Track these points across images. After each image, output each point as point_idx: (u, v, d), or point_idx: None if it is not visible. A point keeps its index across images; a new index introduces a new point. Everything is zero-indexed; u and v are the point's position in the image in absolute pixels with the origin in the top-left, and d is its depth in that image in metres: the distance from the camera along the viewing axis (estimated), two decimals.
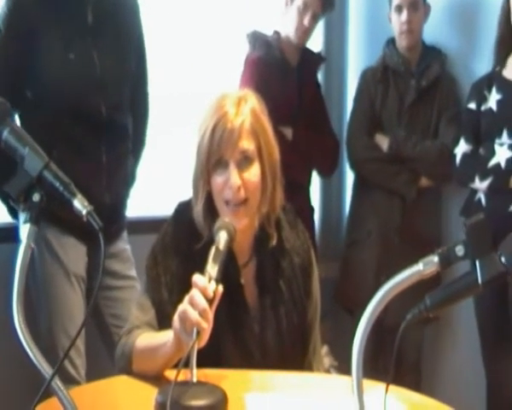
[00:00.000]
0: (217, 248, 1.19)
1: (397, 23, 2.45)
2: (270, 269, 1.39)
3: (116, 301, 1.97)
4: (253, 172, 1.32)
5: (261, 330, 1.37)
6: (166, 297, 1.33)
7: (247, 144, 1.31)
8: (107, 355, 2.04)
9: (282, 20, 2.46)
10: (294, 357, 1.39)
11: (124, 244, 2.03)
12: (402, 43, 2.47)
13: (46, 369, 0.90)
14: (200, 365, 1.15)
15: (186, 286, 1.18)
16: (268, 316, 1.37)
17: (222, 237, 1.22)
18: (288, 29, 2.44)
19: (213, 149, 1.30)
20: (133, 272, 2.03)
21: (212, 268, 1.16)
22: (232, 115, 1.30)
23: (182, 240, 1.36)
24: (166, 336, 1.22)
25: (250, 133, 1.31)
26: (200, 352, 1.14)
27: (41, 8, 1.80)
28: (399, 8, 2.44)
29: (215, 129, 1.29)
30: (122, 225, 2.03)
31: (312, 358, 1.46)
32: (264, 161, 1.34)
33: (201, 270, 1.18)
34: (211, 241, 1.24)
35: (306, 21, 2.39)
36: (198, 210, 1.35)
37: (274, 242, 1.38)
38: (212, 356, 1.23)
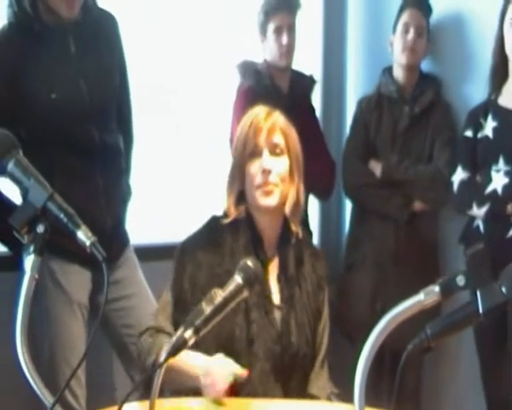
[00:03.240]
0: (214, 292, 1.10)
1: (401, 42, 2.47)
2: (291, 269, 1.53)
3: (125, 310, 1.95)
4: (283, 164, 1.51)
5: (282, 320, 1.49)
6: (187, 287, 1.46)
7: (278, 139, 1.52)
8: (109, 383, 2.03)
9: (264, 53, 2.50)
10: (308, 354, 1.51)
11: (128, 252, 2.01)
12: (402, 60, 2.48)
13: (49, 401, 0.90)
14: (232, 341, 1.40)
15: (212, 274, 1.37)
16: (287, 307, 1.50)
17: (235, 280, 1.11)
18: (272, 56, 2.47)
19: (249, 139, 1.50)
20: (140, 279, 2.00)
21: (198, 317, 1.05)
22: (264, 117, 1.53)
23: (213, 236, 1.51)
24: (190, 367, 1.35)
25: (280, 131, 1.52)
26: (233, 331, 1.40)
27: (25, 49, 1.80)
28: (407, 27, 2.46)
29: (251, 125, 1.51)
30: (125, 241, 2.02)
31: (319, 372, 1.53)
32: (292, 157, 1.53)
33: (229, 266, 1.30)
34: (239, 219, 1.48)
35: (284, 40, 2.42)
36: (230, 200, 1.51)
37: (300, 235, 1.54)
38: (240, 323, 1.43)
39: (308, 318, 1.51)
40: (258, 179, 1.47)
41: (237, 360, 1.41)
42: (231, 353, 1.42)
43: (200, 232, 1.53)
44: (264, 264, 1.48)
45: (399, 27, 2.49)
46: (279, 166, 1.49)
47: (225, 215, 1.52)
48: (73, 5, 1.80)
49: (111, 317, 1.94)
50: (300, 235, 1.54)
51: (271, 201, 1.47)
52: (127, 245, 2.02)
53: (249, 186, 1.49)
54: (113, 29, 1.98)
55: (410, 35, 2.46)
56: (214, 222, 1.54)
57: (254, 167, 1.48)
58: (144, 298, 1.98)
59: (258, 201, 1.48)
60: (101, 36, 1.92)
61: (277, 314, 1.49)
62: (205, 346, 1.40)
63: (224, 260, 1.46)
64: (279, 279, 1.52)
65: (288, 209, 1.50)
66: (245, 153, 1.50)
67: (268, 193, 1.47)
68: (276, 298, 1.50)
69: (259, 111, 1.53)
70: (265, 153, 1.49)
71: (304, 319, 1.51)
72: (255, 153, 1.49)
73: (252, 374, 1.41)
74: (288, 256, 1.52)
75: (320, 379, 1.53)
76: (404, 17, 2.49)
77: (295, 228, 1.52)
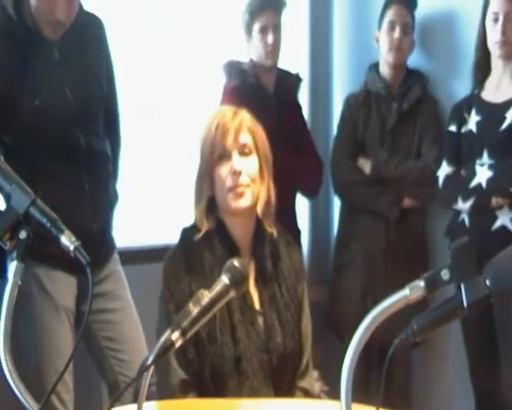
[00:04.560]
0: (201, 293, 1.07)
1: (387, 40, 2.46)
2: (269, 268, 1.50)
3: (108, 323, 1.94)
4: (253, 163, 1.49)
5: (265, 322, 1.47)
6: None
7: (246, 138, 1.48)
8: (96, 388, 2.01)
9: (249, 53, 2.50)
10: (295, 348, 1.49)
11: (115, 265, 2.00)
12: (389, 59, 2.48)
13: (34, 408, 0.90)
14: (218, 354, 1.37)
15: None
16: (269, 309, 1.48)
17: (222, 280, 1.08)
18: (257, 55, 2.48)
19: (217, 143, 1.46)
20: (126, 294, 2.00)
21: (185, 319, 1.02)
22: (231, 117, 1.49)
23: (191, 256, 1.47)
24: None
25: (247, 130, 1.49)
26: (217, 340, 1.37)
27: (7, 54, 1.77)
28: (392, 25, 2.46)
29: (217, 127, 1.47)
30: (111, 246, 2.01)
31: (308, 365, 1.52)
32: (261, 155, 1.50)
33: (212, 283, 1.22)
34: (211, 231, 1.45)
35: (270, 39, 2.43)
36: (201, 208, 1.47)
37: (274, 234, 1.51)
38: (228, 343, 1.41)
39: (292, 313, 1.50)
40: (229, 182, 1.44)
41: (227, 380, 1.40)
42: (221, 374, 1.40)
43: (178, 255, 1.48)
44: None
45: (385, 25, 2.49)
46: (249, 166, 1.47)
47: (196, 228, 1.48)
48: (58, 30, 1.79)
49: (94, 328, 1.93)
50: (275, 235, 1.51)
51: (243, 202, 1.45)
52: (114, 251, 2.01)
53: (220, 190, 1.46)
54: (100, 33, 1.97)
55: (396, 34, 2.45)
56: (187, 238, 1.49)
57: (224, 170, 1.45)
58: (129, 314, 1.97)
59: (230, 204, 1.45)
60: (87, 40, 1.90)
61: (260, 321, 1.47)
62: (196, 367, 1.40)
63: (206, 280, 1.40)
64: (257, 282, 1.49)
65: (259, 209, 1.47)
66: (213, 157, 1.46)
67: (240, 195, 1.44)
68: (256, 303, 1.48)
69: (226, 111, 1.51)
70: (235, 154, 1.46)
71: (287, 315, 1.49)
72: (224, 156, 1.46)
73: (242, 394, 1.39)
74: (265, 256, 1.50)
75: (309, 372, 1.53)
76: (390, 14, 2.48)
77: (270, 228, 1.50)
